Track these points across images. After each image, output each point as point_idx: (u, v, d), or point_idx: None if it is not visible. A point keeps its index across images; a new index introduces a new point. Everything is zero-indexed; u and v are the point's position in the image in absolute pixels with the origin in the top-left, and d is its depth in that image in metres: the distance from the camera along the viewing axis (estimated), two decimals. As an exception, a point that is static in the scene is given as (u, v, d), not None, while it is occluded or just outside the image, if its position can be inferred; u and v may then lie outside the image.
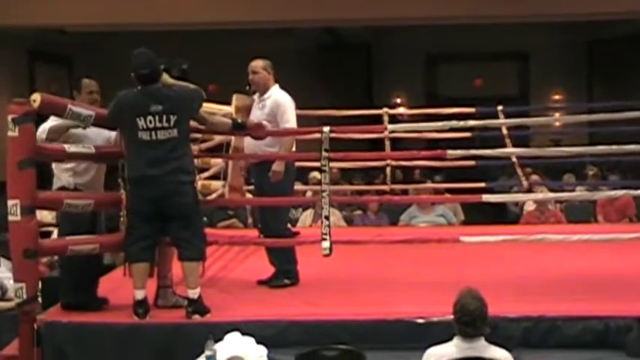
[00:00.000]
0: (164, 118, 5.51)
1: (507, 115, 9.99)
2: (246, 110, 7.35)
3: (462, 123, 6.88)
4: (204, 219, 9.41)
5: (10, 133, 5.30)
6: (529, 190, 10.19)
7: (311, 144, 6.67)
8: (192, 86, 5.88)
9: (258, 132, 6.44)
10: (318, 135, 6.31)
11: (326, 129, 6.23)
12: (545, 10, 14.54)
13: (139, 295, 5.62)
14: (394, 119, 12.71)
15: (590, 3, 14.20)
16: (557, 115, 15.39)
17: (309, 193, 9.98)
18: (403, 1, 14.36)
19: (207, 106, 6.99)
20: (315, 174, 10.44)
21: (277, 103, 6.60)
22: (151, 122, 5.51)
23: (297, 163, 7.40)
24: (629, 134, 8.29)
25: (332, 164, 6.42)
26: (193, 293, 5.67)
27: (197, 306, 5.66)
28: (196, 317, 5.63)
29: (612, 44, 17.83)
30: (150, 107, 5.51)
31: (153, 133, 5.53)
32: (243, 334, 5.11)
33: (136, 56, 5.62)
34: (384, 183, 11.08)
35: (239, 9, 14.51)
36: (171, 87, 5.73)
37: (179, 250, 5.78)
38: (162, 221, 5.67)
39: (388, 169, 10.86)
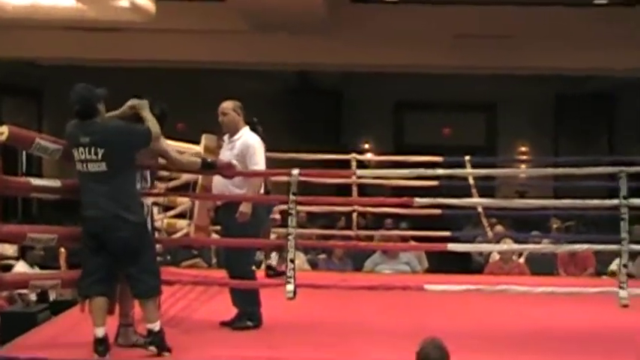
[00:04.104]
0: (92, 150, 5.54)
1: (474, 166, 10.06)
2: (215, 151, 7.36)
3: (430, 171, 6.93)
4: (168, 257, 9.41)
5: (-25, 165, 5.26)
6: (495, 241, 10.24)
7: (279, 186, 6.67)
8: (143, 124, 5.80)
9: (228, 171, 6.44)
10: (285, 178, 6.32)
11: (295, 172, 6.24)
12: (514, 63, 14.80)
13: (99, 332, 5.54)
14: (361, 165, 12.77)
15: (558, 58, 14.47)
16: (523, 167, 15.57)
17: (273, 236, 9.93)
18: (374, 48, 14.54)
19: (176, 145, 6.99)
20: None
21: (247, 145, 6.61)
22: (82, 154, 5.57)
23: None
24: (592, 189, 8.42)
25: (299, 208, 6.42)
26: (153, 326, 5.62)
27: (156, 339, 5.60)
28: (152, 349, 5.57)
29: (580, 100, 18.11)
30: (79, 139, 5.57)
31: (84, 164, 5.57)
32: (204, 375, 5.07)
33: (72, 92, 5.67)
34: (349, 228, 11.08)
35: (211, 49, 14.61)
36: (110, 121, 5.73)
37: (129, 287, 5.74)
38: (110, 255, 5.65)
39: (354, 215, 10.87)
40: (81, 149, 5.55)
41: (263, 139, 7.81)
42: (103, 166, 5.55)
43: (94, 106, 5.67)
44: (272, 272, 8.60)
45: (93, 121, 5.62)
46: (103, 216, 5.54)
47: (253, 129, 6.97)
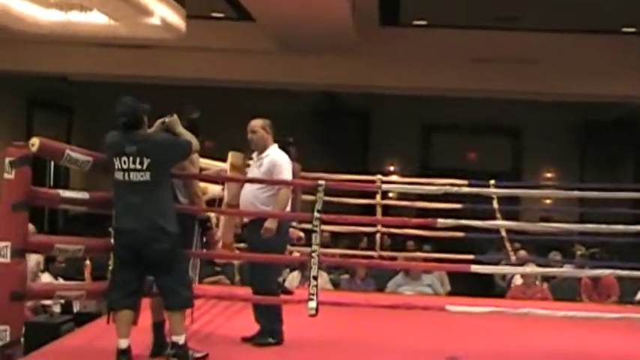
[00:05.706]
0: (137, 160, 5.61)
1: (499, 191, 10.06)
2: (242, 168, 7.44)
3: (455, 188, 6.99)
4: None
5: (6, 175, 5.36)
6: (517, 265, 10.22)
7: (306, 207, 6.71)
8: (182, 137, 5.93)
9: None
10: (310, 197, 6.37)
11: (321, 182, 6.30)
12: (541, 88, 14.80)
13: (123, 344, 5.59)
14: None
15: (584, 85, 14.46)
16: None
17: (295, 254, 9.97)
18: (402, 70, 14.60)
19: (203, 162, 7.07)
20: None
21: (274, 163, 6.67)
22: (125, 163, 5.62)
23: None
24: (618, 216, 8.40)
25: (323, 227, 6.46)
26: (177, 339, 5.66)
27: (180, 351, 5.63)
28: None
29: (606, 126, 18.05)
30: (125, 148, 5.63)
31: (126, 174, 5.63)
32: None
33: (118, 105, 5.76)
34: (372, 249, 11.11)
35: (239, 68, 14.71)
36: (155, 133, 5.85)
37: (162, 298, 5.79)
38: (144, 268, 5.70)
39: (378, 236, 10.89)
40: (124, 158, 5.61)
41: (297, 158, 7.89)
42: (146, 176, 5.61)
43: (141, 117, 5.77)
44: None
45: (138, 132, 5.72)
46: (142, 227, 5.58)
47: (284, 148, 7.01)
